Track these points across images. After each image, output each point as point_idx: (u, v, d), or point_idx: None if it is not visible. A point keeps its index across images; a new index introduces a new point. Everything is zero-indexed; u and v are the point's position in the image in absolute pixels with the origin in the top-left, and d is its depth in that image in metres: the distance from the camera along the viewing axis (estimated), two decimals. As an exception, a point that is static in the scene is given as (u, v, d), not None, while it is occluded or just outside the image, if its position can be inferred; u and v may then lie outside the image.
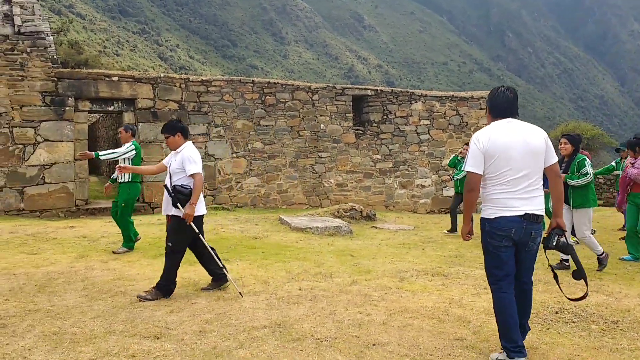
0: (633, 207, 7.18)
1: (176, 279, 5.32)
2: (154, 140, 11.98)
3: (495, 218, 3.54)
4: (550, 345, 3.94)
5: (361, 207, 11.11)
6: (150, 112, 11.94)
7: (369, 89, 14.52)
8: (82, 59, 44.36)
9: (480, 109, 15.19)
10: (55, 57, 13.02)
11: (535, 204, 3.54)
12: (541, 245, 3.72)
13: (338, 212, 10.84)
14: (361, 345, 3.95)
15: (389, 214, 13.04)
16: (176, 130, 5.43)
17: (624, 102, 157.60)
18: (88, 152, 7.58)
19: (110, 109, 11.86)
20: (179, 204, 5.17)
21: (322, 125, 13.66)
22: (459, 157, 9.90)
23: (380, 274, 6.20)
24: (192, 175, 5.28)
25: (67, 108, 11.07)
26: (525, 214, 3.49)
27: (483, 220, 3.64)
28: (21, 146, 10.73)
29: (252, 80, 13.12)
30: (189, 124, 12.30)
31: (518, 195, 3.51)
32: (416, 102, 14.61)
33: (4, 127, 10.57)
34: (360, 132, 14.24)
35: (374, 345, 3.97)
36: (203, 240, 5.41)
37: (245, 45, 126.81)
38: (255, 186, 13.00)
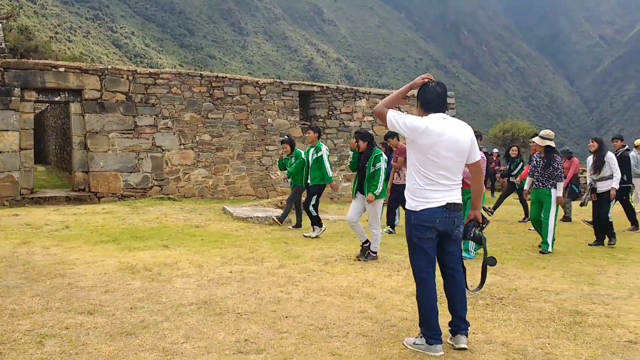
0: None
1: None
2: (100, 130, 12.19)
3: (421, 210, 3.73)
4: (436, 317, 4.54)
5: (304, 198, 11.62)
6: (97, 103, 12.14)
7: (315, 85, 15.05)
8: (31, 45, 43.33)
9: (422, 106, 15.91)
10: (2, 45, 13.07)
11: (455, 195, 3.80)
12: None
13: (281, 202, 11.33)
14: (275, 318, 4.47)
15: (331, 206, 13.63)
16: None
17: (573, 101, 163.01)
18: None
19: (57, 99, 12.02)
20: None
21: (269, 119, 14.12)
22: (284, 158, 9.56)
23: (308, 259, 6.74)
24: None
25: (13, 98, 11.18)
26: (447, 203, 3.71)
27: (408, 212, 3.83)
28: (-35, 135, 10.82)
29: (200, 74, 13.47)
30: (137, 115, 12.56)
31: (441, 188, 3.73)
32: (360, 99, 15.23)
33: (-53, 116, 10.64)
34: (307, 126, 14.73)
35: (286, 317, 4.49)
36: None
37: (203, 35, 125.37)
38: (202, 177, 13.37)
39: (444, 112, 3.89)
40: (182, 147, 13.09)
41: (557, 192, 7.61)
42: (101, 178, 12.20)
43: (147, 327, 4.20)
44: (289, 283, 5.59)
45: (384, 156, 7.01)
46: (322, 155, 8.54)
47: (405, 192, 3.92)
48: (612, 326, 4.40)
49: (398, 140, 9.43)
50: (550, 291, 5.51)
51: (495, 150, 20.73)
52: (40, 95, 11.75)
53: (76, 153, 12.20)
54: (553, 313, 4.75)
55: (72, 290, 5.16)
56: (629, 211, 10.27)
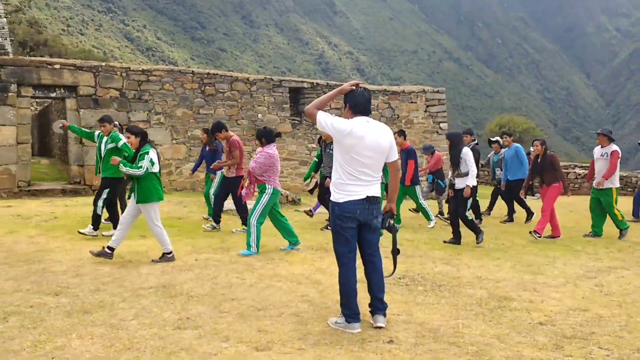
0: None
1: None
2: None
3: (343, 202, 4.14)
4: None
5: (287, 192, 12.07)
6: (91, 99, 12.64)
7: (305, 81, 15.44)
8: (41, 38, 44.01)
9: (411, 102, 16.25)
10: (5, 42, 13.59)
11: (374, 190, 4.25)
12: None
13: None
14: (221, 300, 4.90)
15: (316, 199, 14.02)
16: None
17: (589, 94, 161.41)
18: None
19: (53, 95, 12.53)
20: None
21: (259, 115, 14.54)
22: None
23: (272, 248, 7.17)
24: None
25: (10, 94, 11.71)
26: (367, 196, 4.14)
27: (333, 203, 4.22)
28: (-36, 130, 11.38)
29: (192, 71, 13.92)
30: (130, 111, 13.05)
31: (362, 183, 4.13)
32: (350, 94, 15.58)
33: (-53, 112, 11.20)
34: (297, 122, 15.16)
35: (232, 299, 4.92)
36: None
37: (215, 28, 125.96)
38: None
39: (368, 115, 4.31)
40: (174, 141, 13.56)
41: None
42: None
43: (103, 307, 4.66)
44: (247, 270, 6.02)
45: (153, 151, 6.43)
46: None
47: (331, 186, 4.34)
48: (530, 310, 4.78)
49: (227, 131, 8.97)
50: (491, 279, 5.88)
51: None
52: (37, 92, 12.28)
53: (72, 147, 12.73)
54: (483, 298, 5.13)
55: (44, 275, 5.64)
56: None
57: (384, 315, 4.31)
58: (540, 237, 8.34)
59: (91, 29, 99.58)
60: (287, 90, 14.92)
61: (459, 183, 7.93)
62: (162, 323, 4.26)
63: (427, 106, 16.61)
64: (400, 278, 5.82)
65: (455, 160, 7.94)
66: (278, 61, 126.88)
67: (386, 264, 4.82)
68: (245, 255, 6.73)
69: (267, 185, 6.85)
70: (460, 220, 8.07)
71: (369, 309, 4.35)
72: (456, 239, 8.03)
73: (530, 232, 8.45)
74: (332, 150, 8.52)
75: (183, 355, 3.64)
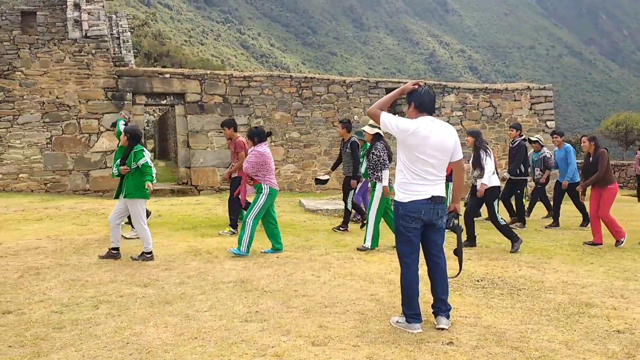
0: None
1: None
2: (200, 130, 13.50)
3: (408, 202, 4.14)
4: (438, 302, 4.87)
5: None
6: (197, 105, 13.46)
7: (402, 82, 15.33)
8: (164, 49, 47.32)
9: (515, 100, 15.60)
10: (121, 54, 14.82)
11: (439, 189, 4.23)
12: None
13: (358, 196, 11.85)
14: (292, 296, 5.07)
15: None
16: None
17: None
18: None
19: (164, 102, 13.52)
20: None
21: (355, 116, 14.68)
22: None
23: (353, 248, 7.26)
24: None
25: (126, 102, 12.80)
26: (432, 196, 4.15)
27: (397, 203, 4.22)
28: (87, 135, 12.59)
29: (290, 76, 14.38)
30: (232, 115, 13.71)
31: (426, 183, 4.19)
32: (449, 94, 15.29)
33: (72, 119, 12.48)
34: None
35: (303, 296, 5.07)
36: None
37: (325, 32, 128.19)
38: (291, 172, 14.27)
39: (432, 114, 4.28)
40: (272, 144, 14.05)
41: (383, 182, 7.18)
42: (201, 173, 13.52)
43: (184, 299, 5.00)
44: (324, 268, 6.16)
45: (146, 151, 6.66)
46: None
47: (395, 186, 4.35)
48: (611, 317, 4.49)
49: (235, 131, 8.84)
50: (576, 284, 5.57)
51: None
52: (149, 99, 13.30)
53: (180, 150, 13.62)
54: (562, 304, 4.88)
55: (139, 268, 6.14)
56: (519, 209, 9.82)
57: (447, 316, 4.24)
58: (623, 242, 7.77)
59: (210, 39, 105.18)
60: (383, 91, 14.93)
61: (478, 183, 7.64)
62: (232, 315, 4.50)
63: (532, 104, 15.86)
64: (478, 280, 5.69)
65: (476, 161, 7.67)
66: (387, 62, 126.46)
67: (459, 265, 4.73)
68: (235, 254, 6.70)
69: (263, 185, 6.83)
70: (500, 226, 7.55)
71: (432, 310, 4.31)
72: (513, 241, 7.39)
73: (615, 245, 7.78)
74: (349, 149, 8.46)
75: (243, 346, 3.84)
